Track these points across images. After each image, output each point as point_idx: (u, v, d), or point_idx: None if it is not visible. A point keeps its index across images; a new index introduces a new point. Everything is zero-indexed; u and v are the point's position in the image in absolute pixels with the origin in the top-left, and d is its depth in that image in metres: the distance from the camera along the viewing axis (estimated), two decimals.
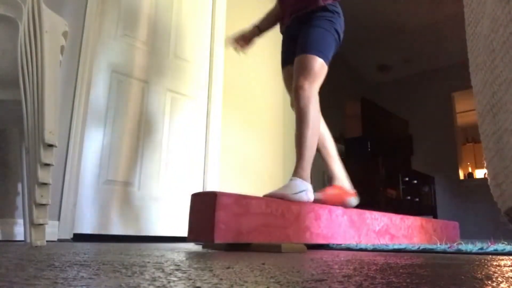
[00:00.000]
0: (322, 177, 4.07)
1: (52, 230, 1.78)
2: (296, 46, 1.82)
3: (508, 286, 0.48)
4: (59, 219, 1.85)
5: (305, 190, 1.60)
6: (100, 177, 2.09)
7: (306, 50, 1.76)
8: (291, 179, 1.63)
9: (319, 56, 1.75)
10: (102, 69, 2.19)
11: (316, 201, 1.67)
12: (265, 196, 1.50)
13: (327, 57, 1.79)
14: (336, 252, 1.38)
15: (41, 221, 1.26)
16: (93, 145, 2.09)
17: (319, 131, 1.77)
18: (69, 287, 0.40)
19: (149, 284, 0.44)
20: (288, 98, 2.06)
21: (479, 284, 0.50)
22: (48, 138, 1.28)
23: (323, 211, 1.66)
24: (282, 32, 2.05)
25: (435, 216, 4.76)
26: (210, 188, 2.55)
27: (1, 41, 1.30)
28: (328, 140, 1.93)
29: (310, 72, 1.73)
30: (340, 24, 1.86)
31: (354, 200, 1.87)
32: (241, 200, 1.32)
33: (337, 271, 0.64)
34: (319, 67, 1.75)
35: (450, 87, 5.77)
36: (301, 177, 1.63)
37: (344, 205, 1.82)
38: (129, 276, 0.51)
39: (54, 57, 1.36)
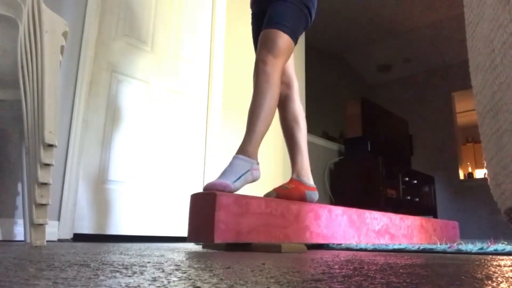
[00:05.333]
0: (322, 176, 4.08)
1: (52, 230, 1.78)
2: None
3: (508, 286, 0.48)
4: (59, 219, 1.85)
5: (249, 170, 1.42)
6: (100, 177, 2.09)
7: (271, 24, 1.61)
8: (234, 157, 1.44)
9: (285, 32, 1.60)
10: (102, 69, 2.19)
11: (267, 196, 1.56)
12: (204, 188, 1.33)
13: (295, 34, 1.64)
14: (336, 252, 1.38)
15: (41, 221, 1.27)
16: (93, 145, 2.09)
17: (274, 113, 1.58)
18: (69, 287, 0.40)
19: (149, 284, 0.44)
20: None
21: (479, 284, 0.50)
22: (48, 138, 1.28)
23: (323, 210, 1.66)
24: (251, 5, 1.89)
25: (435, 216, 4.75)
26: None
27: (1, 41, 1.30)
28: (301, 128, 1.77)
29: (275, 47, 1.57)
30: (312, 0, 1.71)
31: (313, 194, 1.71)
32: (241, 200, 1.32)
33: (337, 271, 0.64)
34: (286, 44, 1.61)
35: (450, 87, 5.77)
36: (246, 153, 1.45)
37: (303, 200, 1.68)
38: (129, 276, 0.51)
39: (54, 57, 1.36)
